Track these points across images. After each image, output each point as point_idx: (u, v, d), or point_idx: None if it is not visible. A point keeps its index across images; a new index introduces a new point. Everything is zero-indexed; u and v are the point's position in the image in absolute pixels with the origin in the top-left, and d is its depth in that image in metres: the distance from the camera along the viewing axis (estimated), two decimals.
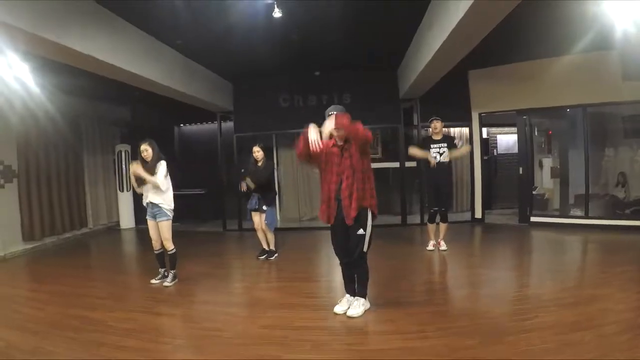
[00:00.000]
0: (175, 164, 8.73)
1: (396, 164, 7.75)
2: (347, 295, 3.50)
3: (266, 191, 5.32)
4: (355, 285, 3.47)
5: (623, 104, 6.38)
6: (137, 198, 8.30)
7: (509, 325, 3.05)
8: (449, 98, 7.25)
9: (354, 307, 3.39)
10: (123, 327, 3.29)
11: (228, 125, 8.24)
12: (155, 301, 3.95)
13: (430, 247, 5.57)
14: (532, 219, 7.09)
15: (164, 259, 4.53)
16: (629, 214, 6.52)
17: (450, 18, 3.79)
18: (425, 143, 5.44)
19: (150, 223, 4.37)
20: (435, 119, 5.39)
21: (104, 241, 7.68)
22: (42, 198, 6.77)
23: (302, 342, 2.94)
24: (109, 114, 8.74)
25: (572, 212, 7.06)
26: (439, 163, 5.26)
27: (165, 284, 4.38)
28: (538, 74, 6.78)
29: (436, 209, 5.45)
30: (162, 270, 4.55)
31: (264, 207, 5.27)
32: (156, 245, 4.42)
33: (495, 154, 8.88)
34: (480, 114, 7.48)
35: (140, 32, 4.91)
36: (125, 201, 8.73)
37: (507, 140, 8.83)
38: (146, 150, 4.24)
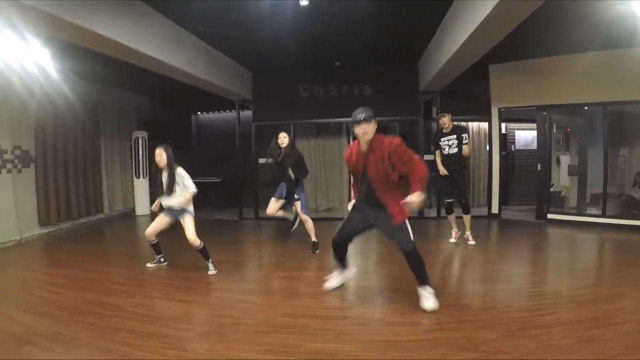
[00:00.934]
0: (192, 152, 8.91)
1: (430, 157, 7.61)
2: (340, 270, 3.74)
3: (300, 173, 5.13)
4: (346, 261, 3.68)
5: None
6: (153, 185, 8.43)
7: (530, 320, 3.04)
8: (469, 92, 7.21)
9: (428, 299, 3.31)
10: (143, 313, 3.31)
11: (245, 114, 8.24)
12: (174, 288, 3.96)
13: (452, 239, 5.63)
14: (549, 216, 7.02)
15: (158, 247, 4.57)
16: None
17: (476, 14, 3.76)
18: (437, 137, 5.56)
19: (164, 218, 4.37)
20: (442, 114, 5.44)
21: (120, 227, 7.73)
22: (58, 183, 6.83)
23: (325, 331, 2.95)
24: (126, 101, 8.77)
25: (588, 211, 6.97)
26: (448, 155, 5.39)
27: (210, 272, 4.34)
28: (560, 70, 6.68)
29: (450, 200, 5.57)
30: (157, 257, 4.60)
31: (296, 196, 5.14)
32: (148, 237, 4.43)
33: (513, 149, 8.77)
34: (500, 109, 7.40)
35: (164, 18, 4.90)
36: (141, 188, 8.78)
37: (525, 136, 8.71)
38: (160, 155, 4.20)
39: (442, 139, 5.45)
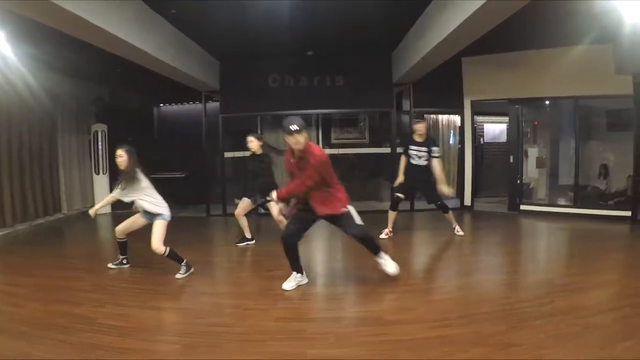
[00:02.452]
0: (154, 146, 8.41)
1: (387, 150, 7.62)
2: (294, 273, 3.64)
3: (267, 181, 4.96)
4: (299, 262, 3.65)
5: (611, 97, 6.50)
6: (114, 182, 7.82)
7: (530, 310, 3.02)
8: (441, 84, 7.17)
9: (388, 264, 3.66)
10: (117, 325, 2.91)
11: (211, 106, 7.85)
12: (148, 294, 3.59)
13: (383, 235, 5.40)
14: (522, 207, 7.16)
15: (125, 248, 4.29)
16: (612, 204, 6.70)
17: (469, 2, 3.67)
18: (408, 143, 5.34)
19: (139, 218, 4.10)
20: (419, 120, 5.26)
21: (80, 227, 7.15)
22: (13, 181, 6.23)
23: (323, 335, 2.72)
24: (86, 92, 8.14)
25: (559, 201, 7.20)
26: (416, 165, 5.23)
27: (178, 276, 3.98)
28: (532, 63, 6.80)
29: (400, 196, 5.34)
30: (121, 257, 4.30)
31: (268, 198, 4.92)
32: (118, 234, 4.19)
33: (482, 142, 8.91)
34: (472, 102, 7.45)
35: None
36: (101, 185, 8.18)
37: (493, 129, 8.88)
38: (120, 156, 3.92)
39: (412, 147, 5.25)
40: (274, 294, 3.52)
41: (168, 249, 3.93)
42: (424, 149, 5.19)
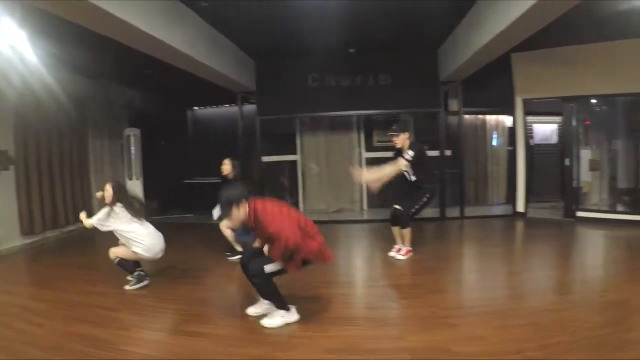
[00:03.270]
0: (188, 150, 8.28)
1: (435, 152, 7.03)
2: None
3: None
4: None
5: None
6: (147, 186, 7.74)
7: (613, 338, 2.63)
8: (491, 82, 6.77)
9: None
10: (142, 354, 2.62)
11: (247, 108, 7.63)
12: (179, 315, 3.27)
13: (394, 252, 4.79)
14: (578, 213, 6.59)
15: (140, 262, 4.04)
16: None
17: None
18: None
19: None
20: (394, 132, 4.59)
21: (112, 236, 6.97)
22: (42, 187, 6.13)
23: None
24: (116, 96, 8.06)
25: (618, 207, 6.65)
26: (408, 181, 4.63)
27: (127, 287, 3.85)
28: (586, 58, 6.28)
29: (398, 207, 4.68)
30: (138, 270, 4.03)
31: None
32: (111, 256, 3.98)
33: (531, 144, 8.32)
34: (524, 100, 6.93)
35: None
36: (134, 190, 8.06)
37: (543, 129, 8.29)
38: (106, 191, 3.92)
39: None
40: (318, 317, 3.12)
41: (119, 258, 3.86)
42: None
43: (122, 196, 3.93)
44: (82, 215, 4.00)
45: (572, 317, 3.04)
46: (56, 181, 6.45)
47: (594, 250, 5.35)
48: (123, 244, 3.95)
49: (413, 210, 4.60)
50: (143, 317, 3.27)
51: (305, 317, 3.09)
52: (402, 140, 4.55)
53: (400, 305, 3.40)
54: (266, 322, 2.99)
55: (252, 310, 3.17)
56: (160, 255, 3.93)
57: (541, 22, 4.01)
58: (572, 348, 2.51)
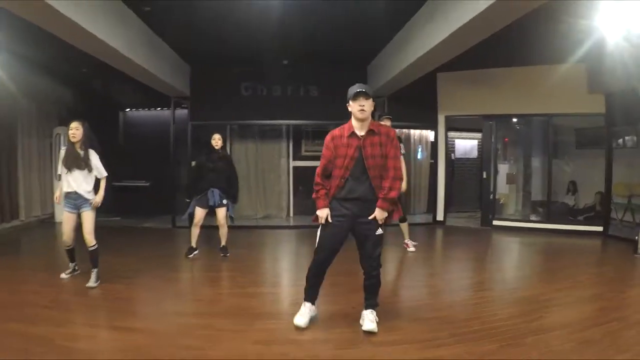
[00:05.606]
0: (118, 152, 7.91)
1: None
2: (308, 304, 2.98)
3: (232, 184, 4.94)
4: (317, 294, 3.02)
5: (584, 116, 6.73)
6: None
7: (520, 327, 2.95)
8: (416, 99, 7.21)
9: (371, 320, 2.85)
10: (78, 348, 2.56)
11: (179, 113, 7.55)
12: (111, 311, 3.27)
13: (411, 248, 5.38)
14: (495, 222, 7.21)
15: (74, 254, 4.04)
16: (581, 220, 6.89)
17: (462, 12, 3.65)
18: None
19: (70, 216, 3.84)
20: (386, 116, 5.15)
21: (38, 236, 6.61)
22: None
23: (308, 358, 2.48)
24: (48, 93, 7.59)
25: (531, 217, 7.33)
26: None
27: (89, 284, 3.75)
28: (507, 81, 6.97)
29: None
30: (72, 265, 4.08)
31: (224, 202, 4.84)
32: (68, 241, 3.89)
33: (452, 158, 8.97)
34: (446, 117, 7.51)
35: None
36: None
37: (464, 145, 9.00)
38: (76, 128, 3.84)
39: None
40: (248, 313, 3.22)
41: (96, 244, 3.83)
42: None
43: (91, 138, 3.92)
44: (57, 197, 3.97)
45: (484, 310, 3.36)
46: None
47: (507, 254, 5.91)
48: (68, 221, 3.83)
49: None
50: (75, 314, 3.23)
51: (234, 313, 3.24)
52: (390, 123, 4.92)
53: (324, 301, 3.44)
54: (370, 327, 2.81)
55: (300, 321, 2.91)
56: None
57: (463, 46, 4.43)
58: (481, 336, 2.79)
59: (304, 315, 2.93)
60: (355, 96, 2.74)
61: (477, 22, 3.54)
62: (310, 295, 2.98)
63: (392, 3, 4.48)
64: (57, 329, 2.85)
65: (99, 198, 3.85)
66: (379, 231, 2.83)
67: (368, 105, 2.74)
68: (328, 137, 2.88)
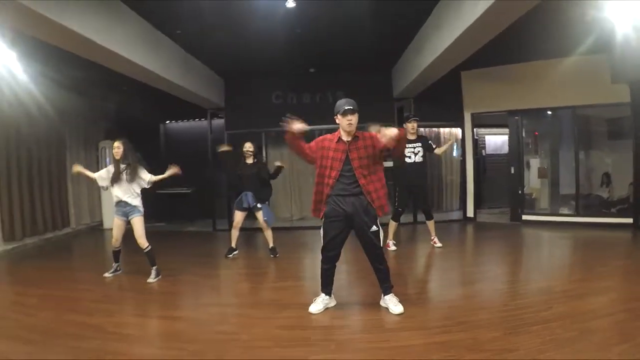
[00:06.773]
0: (161, 162, 8.53)
1: (389, 164, 7.65)
2: (323, 295, 3.42)
3: (264, 187, 5.30)
4: (332, 285, 3.45)
5: (609, 106, 6.59)
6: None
7: (528, 316, 3.08)
8: (442, 98, 7.33)
9: (395, 304, 3.29)
10: (127, 333, 3.04)
11: (216, 122, 8.07)
12: (155, 304, 3.77)
13: (392, 247, 5.50)
14: (524, 217, 7.21)
15: (119, 256, 4.57)
16: (614, 212, 6.75)
17: (463, 18, 3.85)
18: None
19: (119, 222, 4.41)
20: (413, 118, 5.43)
21: (88, 242, 7.32)
22: (23, 196, 6.38)
23: (326, 342, 2.82)
24: (94, 109, 8.39)
25: (561, 211, 7.24)
26: (414, 163, 5.35)
27: (150, 280, 4.29)
28: (529, 75, 6.94)
29: (400, 210, 5.51)
30: (115, 265, 4.57)
31: (259, 205, 5.21)
32: (116, 243, 4.46)
33: (483, 154, 9.00)
34: (472, 114, 7.58)
35: (140, 18, 4.69)
36: (108, 200, 8.19)
37: (495, 140, 8.98)
38: (118, 147, 4.37)
39: (407, 145, 5.26)
40: (279, 304, 3.60)
41: (150, 246, 4.33)
42: (418, 144, 5.35)
43: (133, 153, 4.44)
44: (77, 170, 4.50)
45: (497, 301, 3.55)
46: (35, 190, 6.68)
47: (530, 249, 5.90)
48: (118, 227, 4.40)
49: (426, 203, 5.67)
50: (124, 306, 3.73)
51: (266, 304, 3.67)
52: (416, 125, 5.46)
53: (356, 292, 3.89)
54: (398, 310, 3.23)
55: (314, 308, 3.35)
56: None
57: (473, 47, 4.57)
58: (488, 324, 2.98)
59: (317, 303, 3.38)
60: (344, 112, 3.27)
61: (479, 23, 3.71)
62: (325, 287, 3.41)
63: (411, 3, 4.61)
64: (108, 318, 3.31)
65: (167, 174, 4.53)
66: (374, 228, 3.25)
67: (354, 119, 3.28)
68: (320, 137, 3.52)
